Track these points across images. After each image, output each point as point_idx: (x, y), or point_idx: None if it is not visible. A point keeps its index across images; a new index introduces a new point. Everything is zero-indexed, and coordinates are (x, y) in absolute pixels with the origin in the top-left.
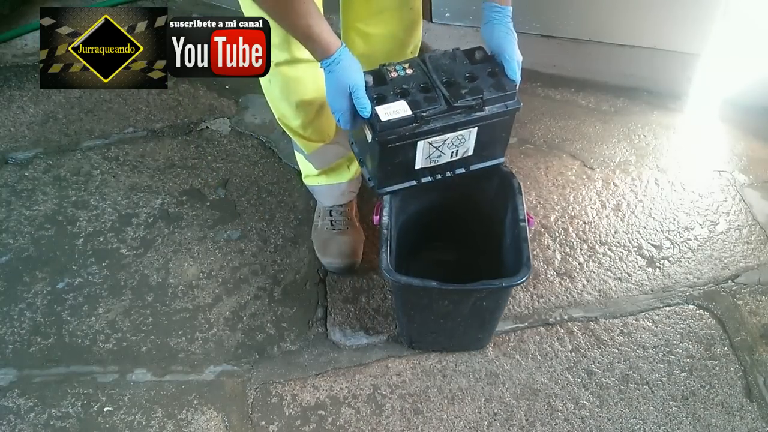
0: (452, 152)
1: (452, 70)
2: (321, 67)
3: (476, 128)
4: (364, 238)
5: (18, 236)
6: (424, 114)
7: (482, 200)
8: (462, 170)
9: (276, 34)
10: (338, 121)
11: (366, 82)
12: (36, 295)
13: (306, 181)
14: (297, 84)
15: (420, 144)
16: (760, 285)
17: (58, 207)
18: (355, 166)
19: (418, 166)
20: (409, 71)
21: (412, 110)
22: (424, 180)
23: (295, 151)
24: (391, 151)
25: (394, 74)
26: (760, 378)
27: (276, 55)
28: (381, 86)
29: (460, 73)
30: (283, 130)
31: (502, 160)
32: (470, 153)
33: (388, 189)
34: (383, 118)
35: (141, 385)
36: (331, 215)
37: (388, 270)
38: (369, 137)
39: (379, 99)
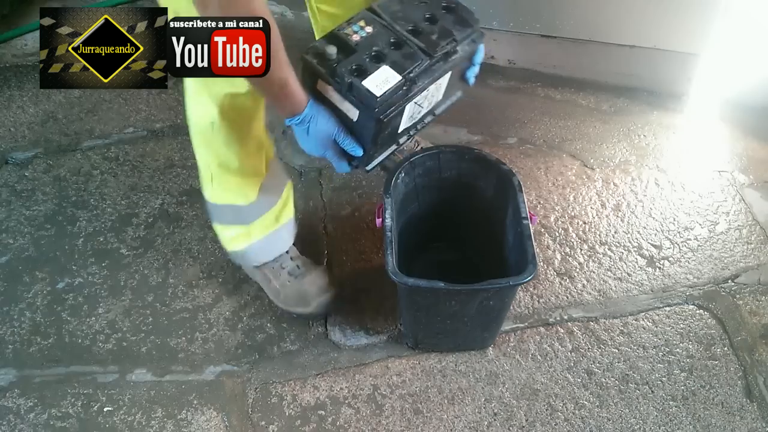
0: (429, 103)
1: (409, 15)
2: (290, 123)
3: (450, 72)
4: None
5: (18, 236)
6: (412, 74)
7: (481, 199)
8: (431, 118)
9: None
10: (335, 166)
11: (330, 55)
12: (36, 295)
13: (237, 248)
14: (248, 113)
15: (407, 106)
16: (760, 285)
17: (58, 207)
18: (288, 192)
19: (401, 129)
20: (369, 29)
21: (400, 74)
22: (401, 141)
23: (217, 225)
24: (385, 123)
25: (355, 37)
26: (760, 378)
27: (223, 88)
28: (351, 55)
29: (418, 17)
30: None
31: (459, 94)
32: (440, 98)
33: (372, 164)
34: (378, 93)
35: (141, 385)
36: (283, 267)
37: (395, 272)
38: (355, 116)
39: (359, 71)
